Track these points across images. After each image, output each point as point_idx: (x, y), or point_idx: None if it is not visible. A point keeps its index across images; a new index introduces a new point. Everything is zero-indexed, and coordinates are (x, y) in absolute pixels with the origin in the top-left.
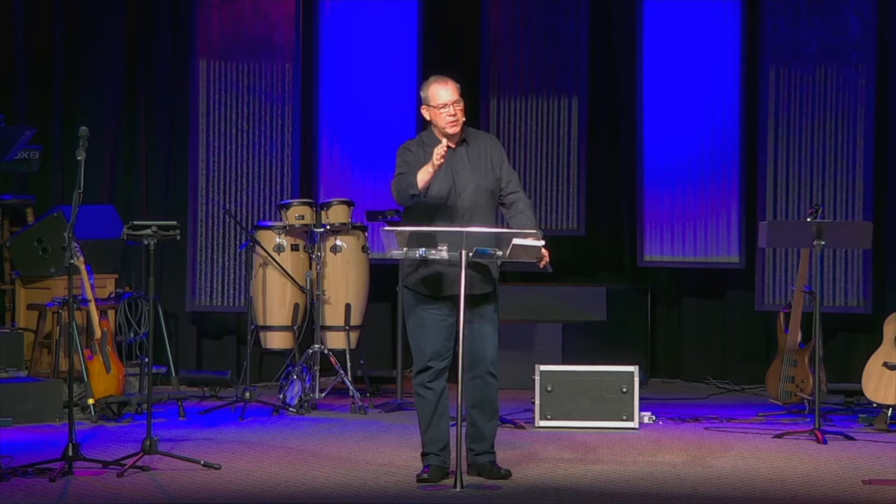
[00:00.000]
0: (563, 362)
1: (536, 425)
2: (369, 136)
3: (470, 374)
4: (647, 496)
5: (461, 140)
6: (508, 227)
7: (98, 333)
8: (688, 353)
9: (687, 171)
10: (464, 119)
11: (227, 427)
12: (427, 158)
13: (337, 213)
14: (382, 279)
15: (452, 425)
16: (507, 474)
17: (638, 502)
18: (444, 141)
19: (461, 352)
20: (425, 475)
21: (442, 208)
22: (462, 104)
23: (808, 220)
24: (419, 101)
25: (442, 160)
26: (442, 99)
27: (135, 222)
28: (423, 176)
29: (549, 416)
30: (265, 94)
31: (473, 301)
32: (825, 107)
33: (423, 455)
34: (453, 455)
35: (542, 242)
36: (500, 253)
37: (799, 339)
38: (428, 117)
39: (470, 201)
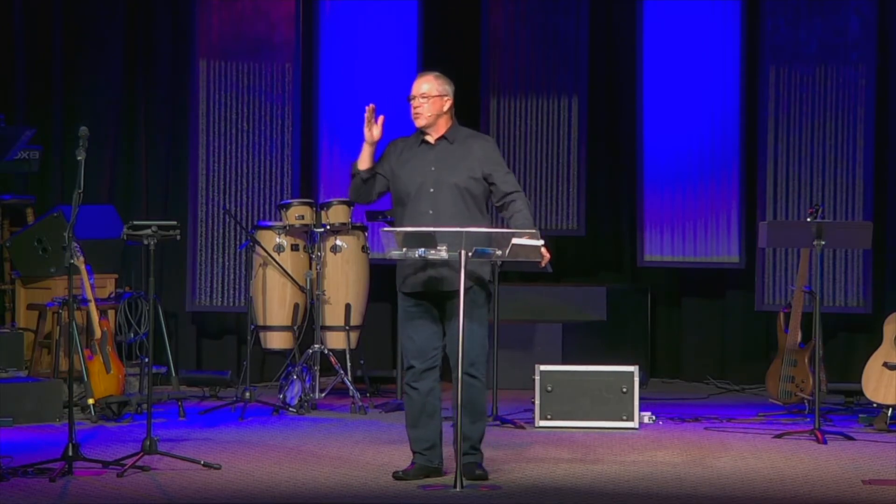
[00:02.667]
0: (563, 362)
1: (536, 425)
2: None
3: (454, 373)
4: (647, 496)
5: (441, 137)
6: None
7: (98, 333)
8: (688, 353)
9: (687, 171)
10: (431, 114)
11: (227, 427)
12: (403, 157)
13: (337, 213)
14: (382, 279)
15: (450, 425)
16: (483, 476)
17: (638, 502)
18: (372, 105)
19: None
20: (401, 473)
21: (412, 204)
22: (434, 100)
23: (808, 220)
24: None
25: (369, 121)
26: (411, 91)
27: (135, 222)
28: (361, 154)
29: (549, 416)
30: (265, 94)
31: (446, 298)
32: (825, 107)
33: (412, 451)
34: (449, 454)
35: (542, 242)
36: (499, 253)
37: (799, 339)
38: None
39: (440, 198)
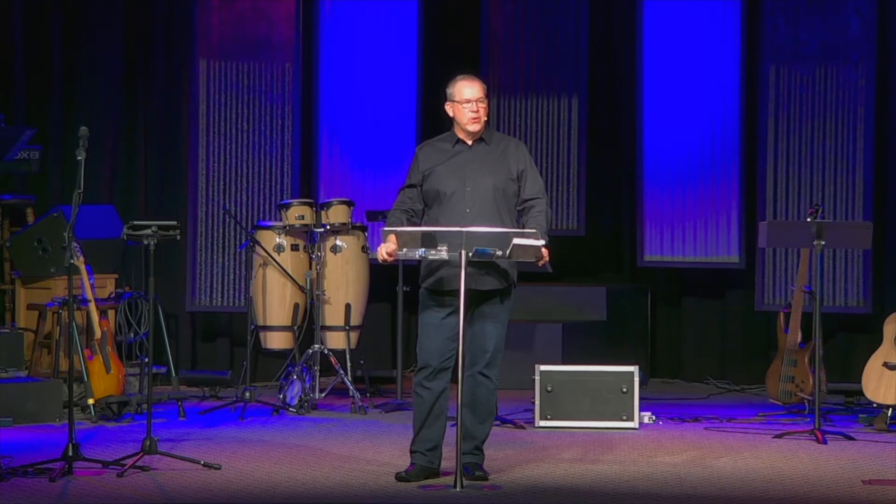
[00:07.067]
0: (563, 362)
1: (536, 425)
2: (369, 136)
3: (466, 371)
4: (647, 496)
5: (479, 139)
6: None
7: (98, 333)
8: (688, 353)
9: (687, 171)
10: (486, 119)
11: (227, 427)
12: (438, 158)
13: (337, 213)
14: (382, 279)
15: (452, 425)
16: (483, 477)
17: (638, 502)
18: (382, 250)
19: (460, 349)
20: (404, 474)
21: (450, 204)
22: (486, 104)
23: (808, 220)
24: (419, 101)
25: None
26: (466, 95)
27: (135, 222)
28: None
29: (549, 416)
30: (265, 94)
31: (480, 298)
32: (825, 107)
33: (411, 452)
34: (449, 455)
35: (542, 242)
36: (500, 253)
37: (799, 339)
38: (451, 114)
39: (479, 198)
